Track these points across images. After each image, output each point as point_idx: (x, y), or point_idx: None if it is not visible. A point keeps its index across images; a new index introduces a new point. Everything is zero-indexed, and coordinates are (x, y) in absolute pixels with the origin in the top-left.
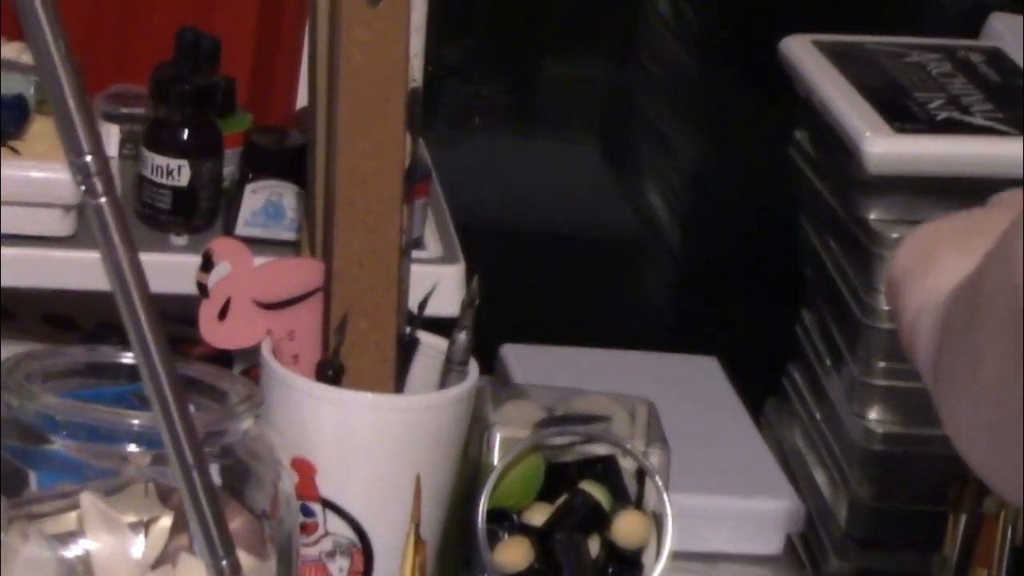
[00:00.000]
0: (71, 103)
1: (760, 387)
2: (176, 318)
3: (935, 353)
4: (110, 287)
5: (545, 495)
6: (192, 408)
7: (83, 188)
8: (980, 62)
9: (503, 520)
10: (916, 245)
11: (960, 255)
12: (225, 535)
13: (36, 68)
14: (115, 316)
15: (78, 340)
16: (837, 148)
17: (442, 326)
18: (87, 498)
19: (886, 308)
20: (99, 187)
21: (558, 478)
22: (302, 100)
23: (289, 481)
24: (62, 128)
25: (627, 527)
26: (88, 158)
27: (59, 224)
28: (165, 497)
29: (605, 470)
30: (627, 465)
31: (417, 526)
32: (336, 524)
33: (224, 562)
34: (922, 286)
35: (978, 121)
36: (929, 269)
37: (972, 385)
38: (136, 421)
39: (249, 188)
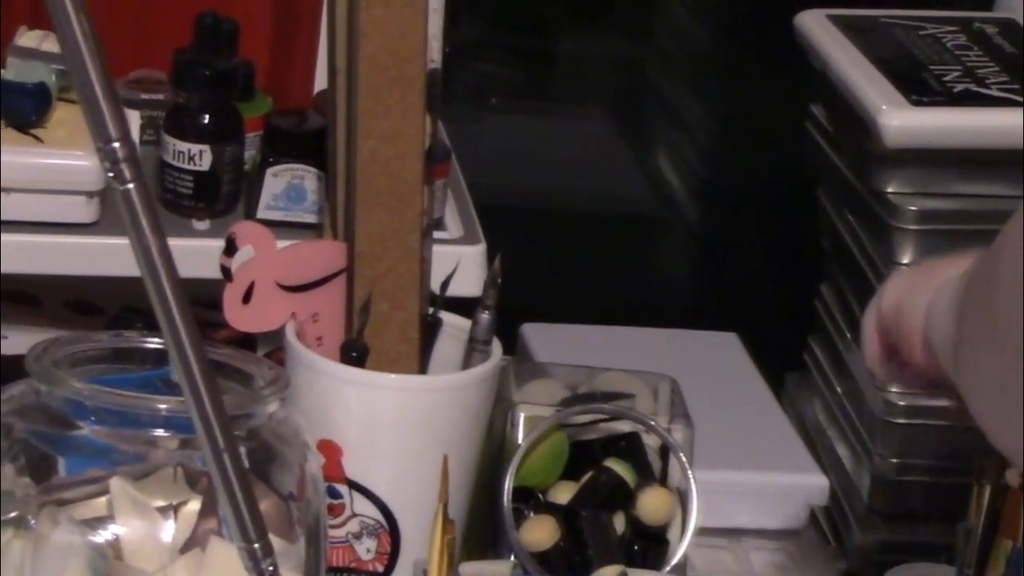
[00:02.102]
0: (98, 89)
1: (781, 362)
2: (200, 302)
3: (954, 336)
4: (138, 272)
5: (569, 473)
6: None
7: (111, 174)
8: (995, 34)
9: (528, 499)
10: (906, 275)
11: (954, 264)
12: (257, 518)
13: (62, 55)
14: (138, 301)
15: (102, 326)
16: (854, 122)
17: (464, 306)
18: (116, 483)
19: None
20: (127, 173)
21: (582, 456)
22: (320, 83)
23: (315, 463)
24: (89, 115)
25: (652, 504)
26: (116, 144)
27: (83, 211)
28: (193, 481)
29: (629, 447)
30: (651, 442)
31: (445, 505)
32: (363, 505)
33: (256, 544)
34: (927, 287)
35: (994, 92)
36: (928, 277)
37: (993, 359)
38: (164, 406)
39: (270, 172)
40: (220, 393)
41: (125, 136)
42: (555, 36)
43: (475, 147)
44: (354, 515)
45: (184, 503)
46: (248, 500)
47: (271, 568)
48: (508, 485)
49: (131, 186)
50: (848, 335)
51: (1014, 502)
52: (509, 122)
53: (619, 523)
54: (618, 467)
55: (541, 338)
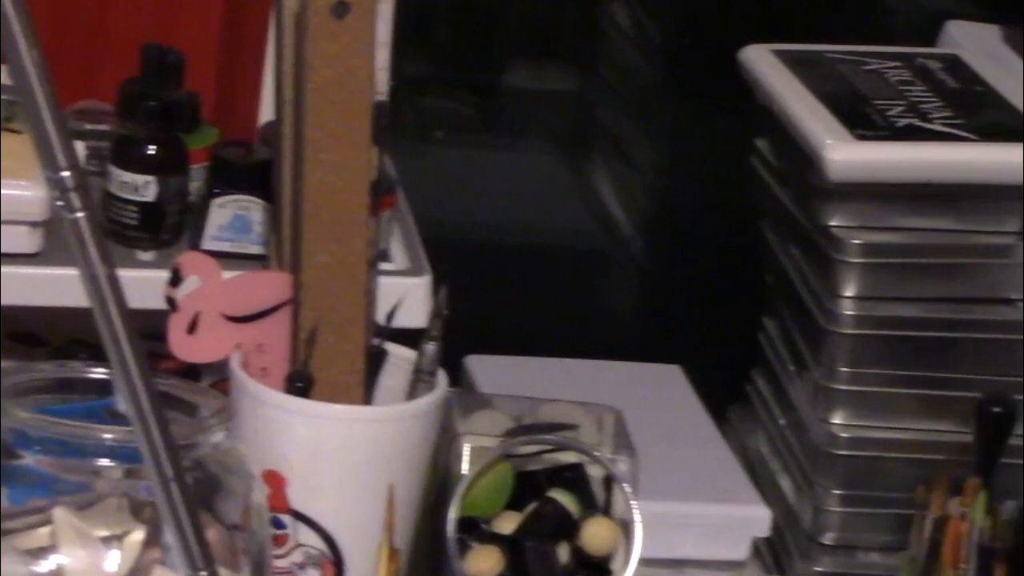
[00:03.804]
0: (48, 119)
1: (724, 394)
2: (145, 333)
3: None
4: (82, 303)
5: (514, 504)
6: None
7: (60, 203)
8: (938, 69)
9: (473, 529)
10: None
11: None
12: (203, 547)
13: (12, 85)
14: (83, 332)
15: (46, 356)
16: (798, 156)
17: (410, 337)
18: (60, 513)
19: (849, 313)
20: (76, 202)
21: (527, 486)
22: (266, 114)
23: (260, 493)
24: (39, 144)
25: (596, 534)
26: (65, 173)
27: (26, 241)
28: (137, 511)
29: (573, 478)
30: (595, 473)
31: (390, 536)
32: (307, 535)
33: (203, 573)
34: None
35: (937, 127)
36: None
37: None
38: (108, 435)
39: (216, 202)
40: (168, 422)
41: (74, 165)
42: (501, 70)
43: (421, 179)
44: (299, 545)
45: (128, 533)
46: (195, 529)
47: None
48: (453, 515)
49: (80, 215)
50: (791, 367)
51: (955, 532)
52: (455, 155)
53: (563, 554)
54: (562, 498)
55: (485, 369)
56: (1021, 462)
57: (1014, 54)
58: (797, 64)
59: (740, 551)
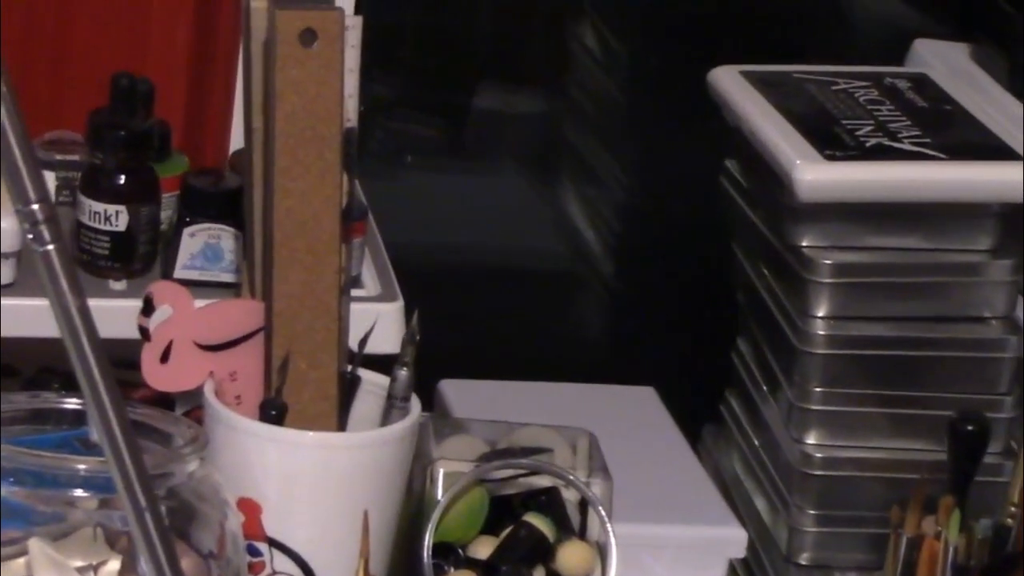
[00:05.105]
0: (17, 152)
1: (698, 415)
2: (118, 362)
3: None
4: (54, 333)
5: (489, 528)
6: None
7: (30, 236)
8: (906, 88)
9: (449, 554)
10: None
11: None
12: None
13: None
14: (55, 361)
15: (18, 387)
16: (768, 176)
17: (382, 363)
18: (35, 544)
19: (821, 333)
20: (47, 234)
21: (502, 511)
22: (236, 142)
23: (235, 521)
24: (8, 176)
25: (571, 557)
26: (35, 206)
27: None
28: (113, 541)
29: (548, 502)
30: (570, 496)
31: (366, 562)
32: (283, 563)
33: None
34: None
35: (907, 146)
36: None
37: None
38: (82, 466)
39: (187, 231)
40: (141, 452)
41: (44, 198)
42: (469, 93)
43: (392, 205)
44: (274, 573)
45: (104, 563)
46: (169, 558)
47: None
48: (428, 541)
49: (51, 247)
50: (764, 387)
51: (930, 551)
52: (425, 179)
53: None
54: (537, 522)
55: (459, 394)
56: (995, 480)
57: (982, 72)
58: (766, 84)
59: (716, 572)
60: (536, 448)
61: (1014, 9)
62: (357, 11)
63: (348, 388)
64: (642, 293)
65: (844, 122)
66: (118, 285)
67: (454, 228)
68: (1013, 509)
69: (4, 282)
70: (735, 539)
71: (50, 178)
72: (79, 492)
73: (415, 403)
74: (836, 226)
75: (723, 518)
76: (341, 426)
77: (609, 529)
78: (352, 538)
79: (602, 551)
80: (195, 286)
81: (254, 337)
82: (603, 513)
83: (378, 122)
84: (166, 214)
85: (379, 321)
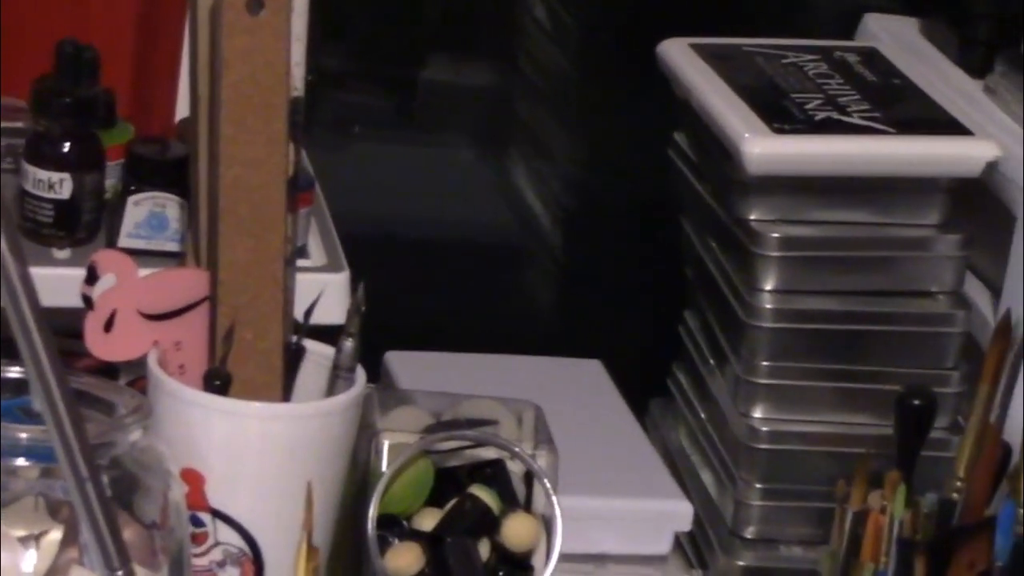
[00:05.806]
0: None
1: (645, 388)
2: (61, 331)
3: None
4: None
5: (434, 500)
6: None
7: None
8: (856, 62)
9: (393, 526)
10: None
11: None
12: (120, 546)
13: None
14: None
15: None
16: (716, 149)
17: (328, 334)
18: None
19: (768, 307)
20: None
21: (447, 483)
22: (182, 111)
23: (179, 491)
24: None
25: (516, 530)
26: None
27: None
28: (54, 510)
29: (494, 474)
30: (515, 468)
31: (309, 533)
32: (226, 533)
33: (119, 573)
34: None
35: (856, 120)
36: None
37: None
38: (24, 435)
39: (132, 200)
40: (83, 421)
41: None
42: (419, 65)
43: (339, 175)
44: (218, 543)
45: (45, 533)
46: (111, 528)
47: None
48: (373, 512)
49: None
50: (711, 361)
51: (875, 526)
52: (373, 150)
53: (484, 550)
54: (483, 494)
55: (405, 366)
56: (941, 455)
57: (932, 47)
58: (715, 58)
59: (662, 546)
60: (482, 420)
61: None
62: None
63: (293, 358)
64: (590, 266)
65: (793, 96)
66: (62, 253)
67: (402, 200)
68: (959, 484)
69: None
70: (681, 512)
71: None
72: (20, 461)
73: (360, 374)
74: (784, 200)
75: (669, 491)
76: (286, 396)
77: (554, 502)
78: (296, 509)
79: (547, 524)
80: (140, 255)
81: (199, 307)
82: (548, 486)
83: (327, 93)
84: (111, 182)
85: (325, 292)
